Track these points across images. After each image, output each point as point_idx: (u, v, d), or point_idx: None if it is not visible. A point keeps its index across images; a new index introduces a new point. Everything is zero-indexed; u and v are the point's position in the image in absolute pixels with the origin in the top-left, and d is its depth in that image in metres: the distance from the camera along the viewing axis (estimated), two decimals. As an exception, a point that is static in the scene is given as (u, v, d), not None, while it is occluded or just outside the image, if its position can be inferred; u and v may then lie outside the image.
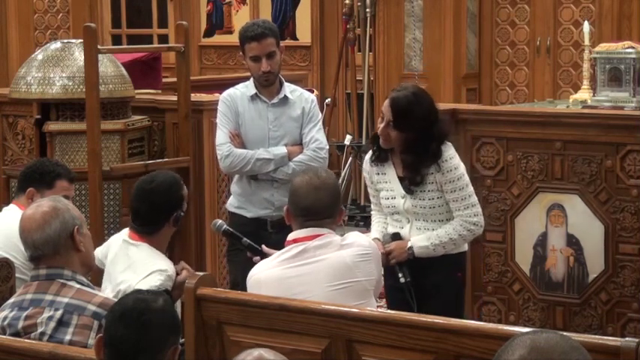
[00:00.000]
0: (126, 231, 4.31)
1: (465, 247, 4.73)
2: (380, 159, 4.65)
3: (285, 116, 5.22)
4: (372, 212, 4.82)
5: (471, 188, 4.60)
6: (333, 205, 3.91)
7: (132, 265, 4.13)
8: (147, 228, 4.21)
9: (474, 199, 4.60)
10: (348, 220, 9.29)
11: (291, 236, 3.92)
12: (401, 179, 4.59)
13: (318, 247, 3.84)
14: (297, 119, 5.22)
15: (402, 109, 4.48)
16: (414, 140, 4.50)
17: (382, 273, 4.02)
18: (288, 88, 5.27)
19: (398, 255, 4.53)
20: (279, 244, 4.47)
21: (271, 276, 3.87)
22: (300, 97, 5.28)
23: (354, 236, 3.93)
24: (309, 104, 5.26)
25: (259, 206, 5.19)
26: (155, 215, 4.21)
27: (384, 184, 4.65)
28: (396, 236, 4.58)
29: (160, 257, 4.16)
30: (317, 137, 5.22)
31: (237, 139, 5.18)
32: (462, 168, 4.59)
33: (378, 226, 4.73)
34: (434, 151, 4.51)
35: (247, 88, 5.25)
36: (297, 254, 3.85)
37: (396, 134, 4.50)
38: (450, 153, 4.55)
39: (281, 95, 5.23)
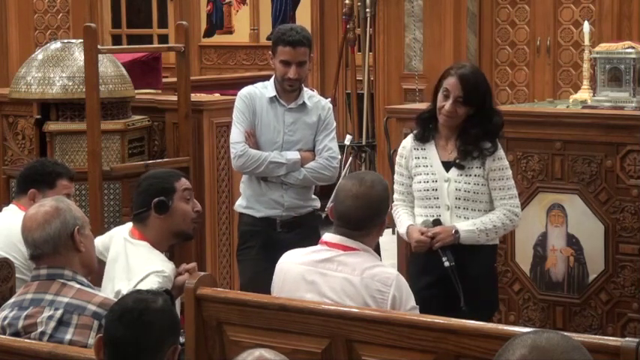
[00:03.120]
0: (128, 226, 4.31)
1: (497, 240, 4.76)
2: (423, 140, 4.64)
3: (302, 122, 5.23)
4: (395, 204, 4.72)
5: (514, 182, 4.65)
6: (369, 217, 3.81)
7: (128, 265, 4.12)
8: (136, 215, 4.25)
9: (517, 192, 4.66)
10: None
11: (325, 237, 3.88)
12: (444, 164, 4.58)
13: (342, 263, 3.77)
14: (313, 126, 5.24)
15: (471, 84, 4.53)
16: (479, 116, 4.55)
17: (408, 306, 3.80)
18: (307, 94, 5.28)
19: (444, 238, 4.48)
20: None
21: (294, 270, 3.85)
22: (317, 104, 5.29)
23: (381, 268, 3.80)
24: (325, 112, 5.29)
25: (268, 206, 5.20)
26: (139, 199, 4.26)
27: (424, 167, 4.62)
28: (438, 222, 4.54)
29: (157, 257, 4.14)
30: (330, 146, 5.24)
31: (252, 138, 5.19)
32: (508, 163, 4.66)
33: (407, 215, 4.67)
34: (498, 127, 4.58)
35: (267, 89, 5.24)
36: (322, 260, 3.81)
37: (463, 110, 4.54)
38: (500, 146, 4.62)
39: (300, 101, 5.23)
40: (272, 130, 5.20)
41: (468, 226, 4.52)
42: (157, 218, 4.19)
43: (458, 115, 4.54)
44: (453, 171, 4.57)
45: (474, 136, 4.54)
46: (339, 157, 5.31)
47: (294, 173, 5.16)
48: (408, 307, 3.77)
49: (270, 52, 5.28)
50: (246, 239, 5.28)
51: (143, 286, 3.90)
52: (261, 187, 5.21)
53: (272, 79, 5.26)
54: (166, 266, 4.11)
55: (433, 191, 4.59)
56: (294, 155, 5.17)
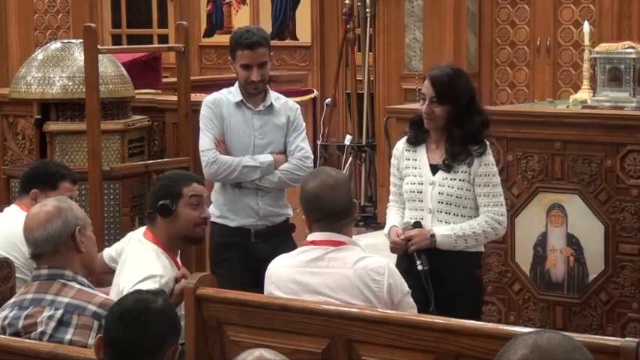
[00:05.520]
0: (142, 229, 4.31)
1: (482, 248, 4.69)
2: (415, 143, 4.64)
3: (271, 124, 5.13)
4: (389, 203, 4.77)
5: (501, 190, 4.60)
6: (348, 203, 3.90)
7: (134, 264, 4.13)
8: (147, 215, 4.28)
9: (503, 200, 4.60)
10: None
11: (310, 237, 3.89)
12: (432, 167, 4.58)
13: (333, 259, 3.80)
14: (282, 127, 5.14)
15: (442, 83, 4.52)
16: (458, 115, 4.52)
17: (404, 291, 3.87)
18: (273, 96, 5.19)
19: (419, 242, 4.49)
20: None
21: (285, 274, 3.86)
22: (285, 105, 5.20)
23: (371, 258, 3.84)
24: (293, 113, 5.19)
25: (243, 215, 5.10)
26: (150, 200, 4.30)
27: (413, 169, 4.63)
28: (418, 225, 4.55)
29: (161, 262, 4.12)
30: (302, 146, 5.14)
31: (222, 145, 5.09)
32: (496, 169, 4.61)
33: (397, 215, 4.69)
34: (478, 127, 4.53)
35: (232, 94, 5.14)
36: (312, 260, 3.83)
37: (440, 110, 4.52)
38: (489, 150, 4.58)
39: (267, 103, 5.14)
40: (242, 134, 5.11)
41: (445, 231, 4.50)
42: (162, 221, 4.20)
43: (437, 116, 4.54)
44: (439, 175, 4.56)
45: (458, 137, 4.53)
46: (312, 156, 5.20)
47: (268, 176, 5.06)
48: (405, 291, 3.84)
49: (229, 58, 5.17)
50: (221, 251, 5.17)
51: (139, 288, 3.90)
52: (235, 194, 5.10)
53: (236, 84, 5.16)
54: (167, 273, 4.10)
55: (418, 194, 4.59)
56: (267, 158, 5.07)
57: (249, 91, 5.10)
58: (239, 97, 5.12)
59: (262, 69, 5.06)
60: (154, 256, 4.13)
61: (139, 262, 4.12)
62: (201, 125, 5.15)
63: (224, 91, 5.20)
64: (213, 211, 5.16)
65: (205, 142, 5.09)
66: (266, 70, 5.09)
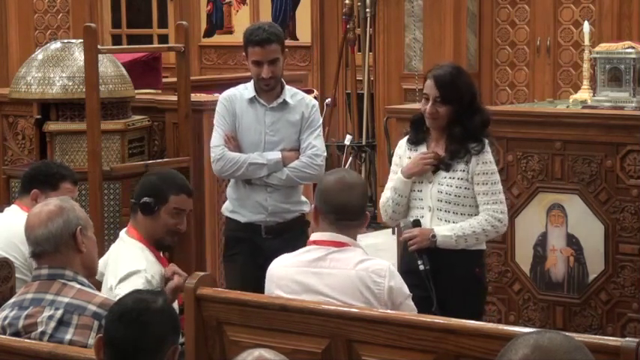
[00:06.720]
0: (124, 231, 4.31)
1: (483, 246, 4.69)
2: (416, 142, 4.66)
3: (283, 121, 5.12)
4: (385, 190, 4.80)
5: (501, 187, 4.61)
6: (362, 206, 3.91)
7: (117, 262, 4.13)
8: (131, 205, 4.28)
9: (503, 197, 4.60)
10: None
11: (313, 237, 3.90)
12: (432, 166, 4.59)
13: (335, 260, 3.80)
14: (296, 124, 5.12)
15: (446, 83, 4.53)
16: (460, 114, 4.53)
17: (405, 294, 3.86)
18: (289, 92, 5.16)
19: (420, 241, 4.51)
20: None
21: (286, 274, 3.86)
22: (301, 101, 5.17)
23: (373, 260, 3.84)
24: (309, 109, 5.15)
25: (253, 211, 5.10)
26: (137, 190, 4.31)
27: None
28: (417, 223, 4.56)
29: (144, 258, 4.13)
30: (314, 144, 5.11)
31: (233, 141, 5.10)
32: (496, 167, 4.62)
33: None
34: (478, 126, 4.55)
35: (247, 90, 5.15)
36: (314, 260, 3.83)
37: (444, 109, 4.53)
38: (489, 149, 4.59)
39: (280, 99, 5.12)
40: (253, 131, 5.10)
41: (445, 231, 4.51)
42: (142, 217, 4.21)
43: (441, 115, 4.55)
44: (439, 173, 4.58)
45: (457, 135, 4.54)
46: (324, 154, 5.17)
47: (276, 174, 5.05)
48: (406, 294, 3.84)
49: (244, 54, 5.18)
50: (231, 245, 5.20)
51: (125, 286, 3.91)
52: (246, 190, 5.10)
53: (252, 81, 5.16)
54: (152, 268, 4.10)
55: (418, 192, 4.61)
56: (274, 155, 5.06)
57: (261, 87, 5.10)
58: (252, 93, 5.13)
59: (273, 66, 5.05)
60: (138, 252, 4.15)
61: (123, 258, 4.13)
62: (214, 121, 5.18)
63: (240, 87, 5.22)
64: (227, 206, 5.24)
65: (215, 138, 5.13)
66: (277, 67, 5.07)
